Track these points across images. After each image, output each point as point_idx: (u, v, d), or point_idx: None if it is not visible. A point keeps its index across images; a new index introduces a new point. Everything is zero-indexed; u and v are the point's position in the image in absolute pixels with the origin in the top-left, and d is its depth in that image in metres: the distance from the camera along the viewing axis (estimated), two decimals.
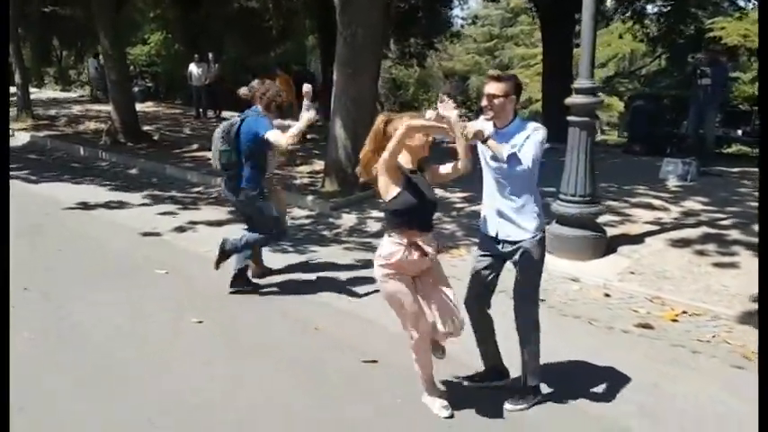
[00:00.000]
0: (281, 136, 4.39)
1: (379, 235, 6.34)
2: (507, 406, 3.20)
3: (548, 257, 5.49)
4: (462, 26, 24.49)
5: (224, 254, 4.74)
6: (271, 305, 4.64)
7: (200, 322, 4.28)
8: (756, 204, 7.09)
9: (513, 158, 2.94)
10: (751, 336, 4.16)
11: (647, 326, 4.29)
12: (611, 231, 6.02)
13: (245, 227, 4.90)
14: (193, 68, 14.73)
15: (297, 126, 4.45)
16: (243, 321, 4.37)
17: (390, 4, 8.88)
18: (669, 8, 13.85)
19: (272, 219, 4.72)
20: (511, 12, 39.72)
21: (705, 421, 3.14)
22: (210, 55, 15.00)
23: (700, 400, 3.34)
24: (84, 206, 7.50)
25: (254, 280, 5.03)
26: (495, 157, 3.00)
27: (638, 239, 5.87)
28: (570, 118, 5.46)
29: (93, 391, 3.38)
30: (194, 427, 3.08)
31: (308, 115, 4.48)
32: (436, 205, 3.10)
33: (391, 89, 35.86)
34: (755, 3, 16.77)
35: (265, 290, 4.94)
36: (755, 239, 5.82)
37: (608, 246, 5.64)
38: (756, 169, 8.74)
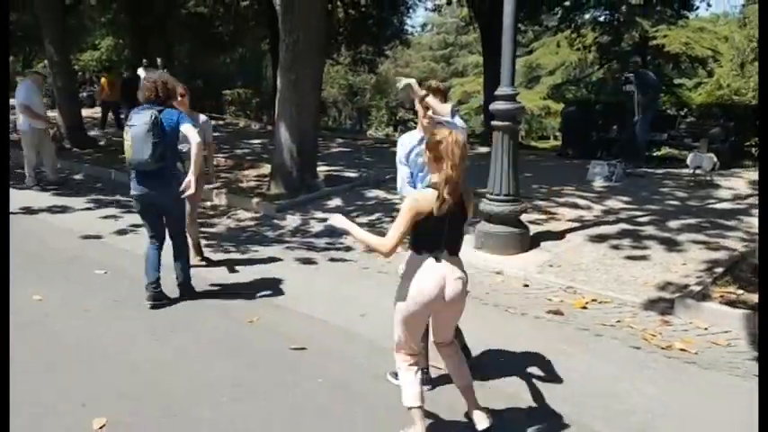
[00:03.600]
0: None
1: (320, 235, 6.62)
2: None
3: (476, 252, 5.89)
4: (412, 34, 24.96)
5: (188, 287, 4.86)
6: (207, 302, 4.82)
7: (137, 318, 4.44)
8: (675, 203, 7.64)
9: None
10: (653, 320, 4.56)
11: (557, 312, 4.66)
12: (536, 228, 6.41)
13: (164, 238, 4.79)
14: (141, 74, 14.68)
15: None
16: (179, 317, 4.54)
17: (333, 12, 9.14)
18: (605, 17, 14.57)
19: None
20: (464, 20, 40.63)
21: (591, 393, 3.48)
22: (159, 60, 14.98)
23: (591, 374, 3.70)
24: (27, 211, 7.53)
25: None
26: None
27: (559, 235, 6.27)
28: (493, 123, 5.83)
29: (22, 375, 3.54)
30: (123, 408, 3.26)
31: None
32: None
33: (348, 95, 36.21)
34: (697, 12, 17.80)
35: (203, 288, 5.12)
36: (668, 234, 6.30)
37: (531, 241, 6.02)
38: (679, 170, 9.35)
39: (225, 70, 25.42)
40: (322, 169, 8.89)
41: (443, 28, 43.62)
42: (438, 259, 2.81)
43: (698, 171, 8.41)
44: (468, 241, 6.12)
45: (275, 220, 7.28)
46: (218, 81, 22.06)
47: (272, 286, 5.16)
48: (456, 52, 42.72)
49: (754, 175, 9.06)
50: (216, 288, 5.12)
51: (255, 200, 7.88)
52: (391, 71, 39.57)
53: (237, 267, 5.65)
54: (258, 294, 4.98)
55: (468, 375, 3.07)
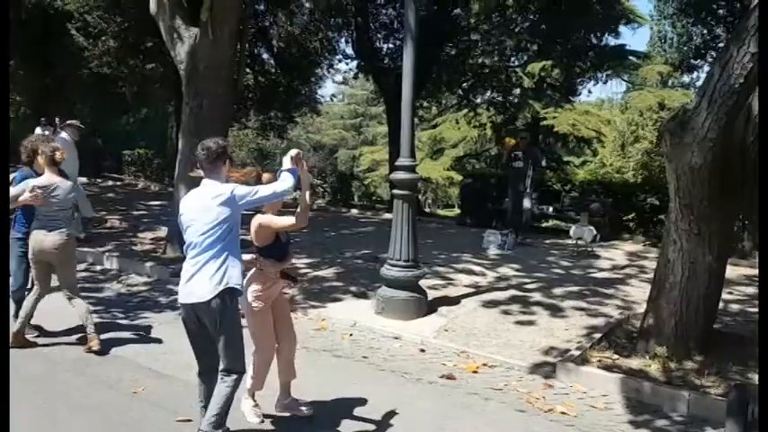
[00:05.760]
0: None
1: None
2: None
3: (376, 318, 5.96)
4: (322, 103, 25.58)
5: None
6: (93, 371, 4.57)
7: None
8: (560, 271, 8.13)
9: None
10: (537, 384, 4.75)
11: (450, 377, 4.76)
12: (434, 293, 6.61)
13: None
14: (39, 132, 14.06)
15: None
16: (60, 385, 4.27)
17: (238, 79, 9.28)
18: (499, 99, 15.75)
19: None
20: (373, 93, 42.21)
21: None
22: (57, 119, 14.43)
23: None
24: None
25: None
26: None
27: (455, 301, 6.49)
28: (394, 191, 6.06)
29: None
30: None
31: None
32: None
33: (257, 158, 36.24)
34: (579, 97, 19.53)
35: (87, 356, 4.83)
36: (553, 301, 6.68)
37: (429, 306, 6.18)
38: (564, 241, 10.00)
39: (128, 130, 24.78)
40: None
41: (354, 99, 45.04)
42: None
43: (580, 242, 9.04)
44: (368, 306, 6.23)
45: (169, 285, 7.01)
46: (119, 141, 21.46)
47: (160, 355, 4.95)
48: (366, 122, 44.06)
49: (631, 247, 9.85)
50: (101, 357, 4.85)
51: (149, 263, 7.61)
52: (302, 137, 40.19)
53: (124, 335, 5.40)
54: (143, 364, 4.76)
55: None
